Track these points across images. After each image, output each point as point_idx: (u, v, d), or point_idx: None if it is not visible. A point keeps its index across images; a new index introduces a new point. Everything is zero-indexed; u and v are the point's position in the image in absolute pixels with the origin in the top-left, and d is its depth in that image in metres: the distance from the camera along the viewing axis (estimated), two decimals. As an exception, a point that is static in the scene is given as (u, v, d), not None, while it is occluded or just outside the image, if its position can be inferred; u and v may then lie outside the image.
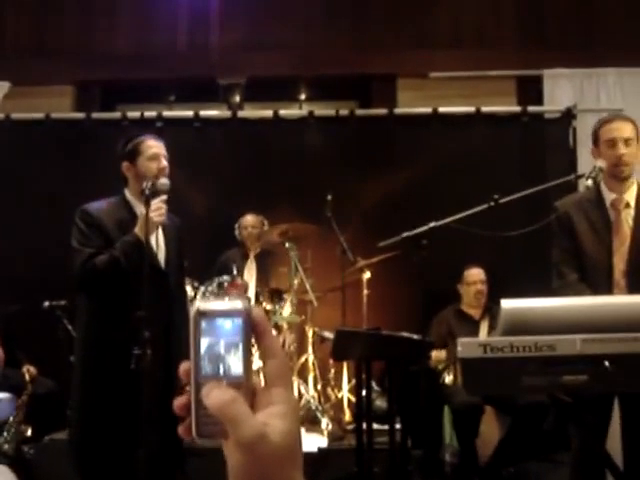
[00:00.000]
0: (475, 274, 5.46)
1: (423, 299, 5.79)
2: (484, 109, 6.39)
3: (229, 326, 0.76)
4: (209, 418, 0.74)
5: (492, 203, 3.36)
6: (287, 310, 5.52)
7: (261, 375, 0.78)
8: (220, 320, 0.76)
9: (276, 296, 5.69)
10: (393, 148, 6.43)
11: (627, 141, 3.46)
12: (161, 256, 3.46)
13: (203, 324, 0.76)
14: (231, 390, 0.74)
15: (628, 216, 3.46)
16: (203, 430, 0.75)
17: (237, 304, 0.76)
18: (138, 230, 3.26)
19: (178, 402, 0.77)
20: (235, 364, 0.76)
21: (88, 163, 6.12)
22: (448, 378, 4.83)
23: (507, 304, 2.40)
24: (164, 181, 3.40)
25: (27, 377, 5.33)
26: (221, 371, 0.76)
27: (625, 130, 3.51)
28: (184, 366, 0.77)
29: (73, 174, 6.20)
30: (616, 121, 3.58)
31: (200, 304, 0.77)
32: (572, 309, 2.45)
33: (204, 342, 0.76)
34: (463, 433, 4.86)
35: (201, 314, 0.76)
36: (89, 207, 3.43)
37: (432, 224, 3.30)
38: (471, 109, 6.39)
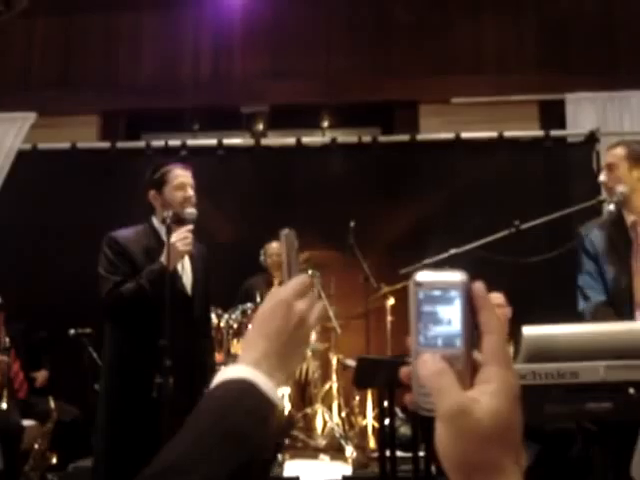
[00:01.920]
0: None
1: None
2: (506, 134, 6.38)
3: (446, 298, 0.76)
4: (423, 389, 0.74)
5: (513, 229, 3.35)
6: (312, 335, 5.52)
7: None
8: (437, 291, 0.76)
9: None
10: (416, 174, 6.43)
11: (608, 166, 3.53)
12: (187, 284, 3.47)
13: (420, 294, 0.76)
14: (442, 362, 0.73)
15: None
16: (419, 400, 0.76)
17: (455, 276, 0.76)
18: (164, 259, 3.27)
19: (404, 371, 0.78)
20: (452, 336, 0.75)
21: (113, 191, 6.17)
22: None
23: (528, 331, 2.38)
24: (190, 210, 3.42)
25: (52, 404, 5.35)
26: (439, 342, 0.75)
27: (607, 156, 3.63)
28: (410, 337, 0.77)
29: (99, 203, 6.26)
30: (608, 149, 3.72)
31: (418, 275, 0.77)
32: (595, 335, 2.42)
33: (421, 312, 0.76)
34: (489, 461, 4.80)
35: (418, 285, 0.76)
36: (116, 234, 3.45)
37: (452, 251, 3.29)
38: (493, 134, 6.38)
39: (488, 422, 0.70)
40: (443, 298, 0.76)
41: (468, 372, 0.74)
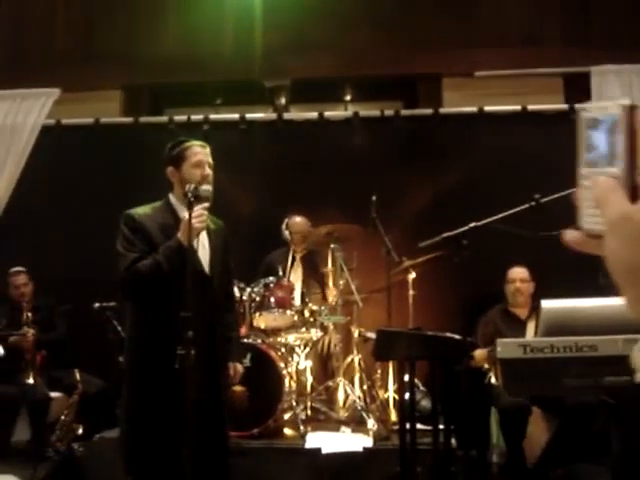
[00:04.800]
0: (515, 272, 5.40)
1: (469, 299, 5.75)
2: (530, 107, 6.33)
3: (609, 124, 0.80)
4: (589, 210, 0.81)
5: (533, 203, 3.34)
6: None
7: None
8: (601, 116, 0.81)
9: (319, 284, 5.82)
10: (438, 148, 6.40)
11: None
12: (205, 260, 3.48)
13: (585, 120, 0.83)
14: (612, 179, 0.78)
15: None
16: (585, 222, 0.82)
17: (619, 102, 0.80)
18: (180, 235, 3.29)
19: (576, 193, 0.83)
20: (614, 160, 0.80)
21: (136, 166, 6.21)
22: (494, 378, 4.78)
23: (548, 305, 2.39)
24: (206, 187, 3.41)
25: (77, 377, 5.44)
26: (601, 164, 0.81)
27: None
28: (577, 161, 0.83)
29: (122, 177, 6.31)
30: None
31: (585, 104, 0.84)
32: (614, 309, 2.42)
33: (585, 137, 0.83)
34: (510, 434, 4.81)
35: (583, 110, 0.84)
36: (133, 212, 3.47)
37: (472, 224, 3.28)
38: (517, 107, 6.34)
39: None
40: (606, 123, 0.81)
41: (629, 192, 0.78)
